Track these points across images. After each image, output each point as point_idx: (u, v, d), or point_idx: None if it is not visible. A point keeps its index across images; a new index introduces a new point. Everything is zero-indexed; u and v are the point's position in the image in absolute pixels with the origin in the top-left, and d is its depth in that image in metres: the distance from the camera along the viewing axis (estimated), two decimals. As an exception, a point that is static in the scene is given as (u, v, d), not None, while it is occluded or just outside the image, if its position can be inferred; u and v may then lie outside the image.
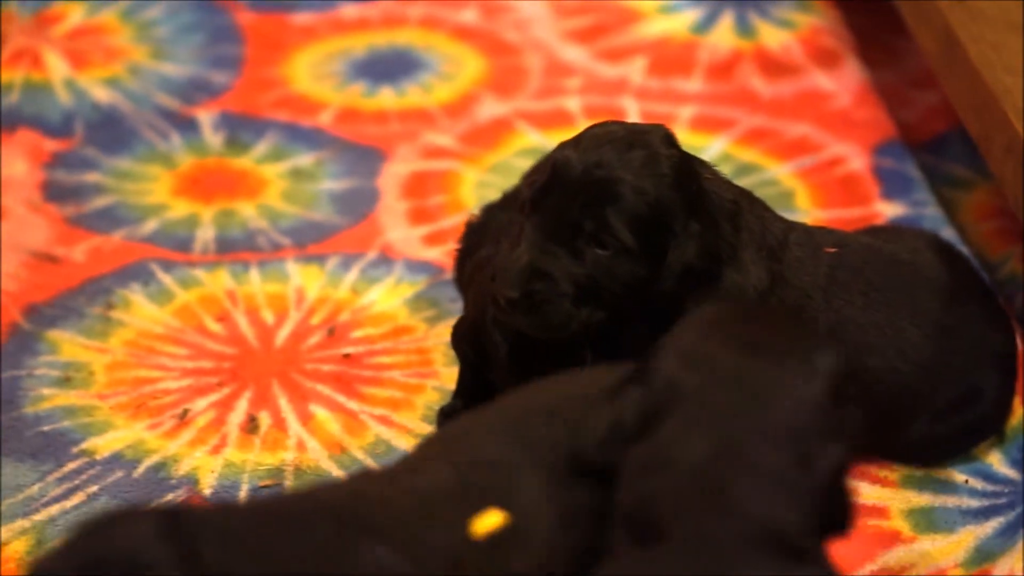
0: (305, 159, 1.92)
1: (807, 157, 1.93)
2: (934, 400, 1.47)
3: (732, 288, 1.38)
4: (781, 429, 1.07)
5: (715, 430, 1.07)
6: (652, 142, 1.38)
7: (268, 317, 1.69)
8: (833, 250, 1.48)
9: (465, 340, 1.52)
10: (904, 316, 1.47)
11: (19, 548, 1.42)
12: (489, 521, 1.11)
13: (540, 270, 1.36)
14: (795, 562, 1.05)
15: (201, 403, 1.59)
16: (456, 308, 1.67)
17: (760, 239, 1.42)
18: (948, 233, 1.81)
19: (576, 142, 1.39)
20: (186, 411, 1.57)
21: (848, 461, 1.09)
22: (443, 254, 1.76)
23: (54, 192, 1.86)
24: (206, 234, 1.81)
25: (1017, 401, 1.57)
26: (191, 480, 1.50)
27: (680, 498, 1.06)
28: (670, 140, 1.40)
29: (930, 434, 1.48)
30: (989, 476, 1.51)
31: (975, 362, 1.50)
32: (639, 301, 1.38)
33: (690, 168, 1.39)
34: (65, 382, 1.60)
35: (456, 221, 1.79)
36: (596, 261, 1.36)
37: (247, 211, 1.84)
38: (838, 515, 1.09)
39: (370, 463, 1.52)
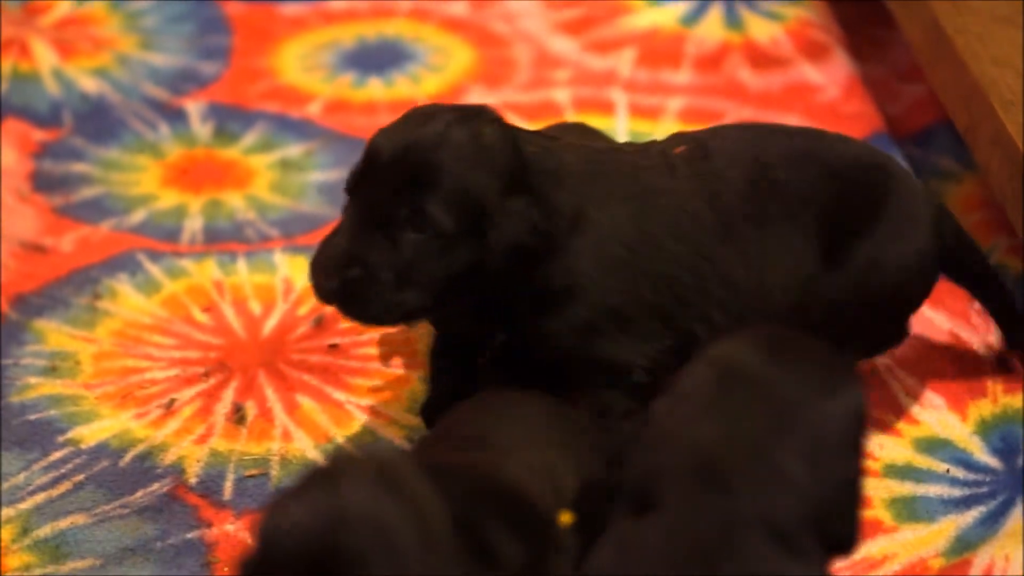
0: (294, 150, 1.93)
1: (795, 149, 1.93)
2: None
3: (584, 250, 1.37)
4: (800, 434, 1.08)
5: (729, 420, 1.09)
6: (469, 119, 1.37)
7: (255, 308, 1.70)
8: (680, 149, 1.45)
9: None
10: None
11: (4, 536, 1.42)
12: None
13: (356, 257, 1.34)
14: (786, 552, 1.06)
15: (188, 393, 1.59)
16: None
17: (614, 189, 1.40)
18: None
19: (393, 126, 1.38)
20: (172, 401, 1.57)
21: (860, 481, 1.10)
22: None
23: (42, 182, 1.86)
24: (194, 225, 1.81)
25: (998, 388, 1.58)
26: (177, 469, 1.50)
27: (680, 474, 1.08)
28: (491, 118, 1.38)
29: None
30: (971, 465, 1.51)
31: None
32: (473, 283, 1.36)
33: (510, 143, 1.37)
34: (51, 371, 1.60)
35: (444, 212, 1.79)
36: (413, 246, 1.34)
37: (235, 202, 1.84)
38: (843, 532, 1.09)
39: (353, 452, 1.52)
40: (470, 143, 1.35)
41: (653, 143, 1.51)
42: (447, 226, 1.33)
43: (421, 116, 1.38)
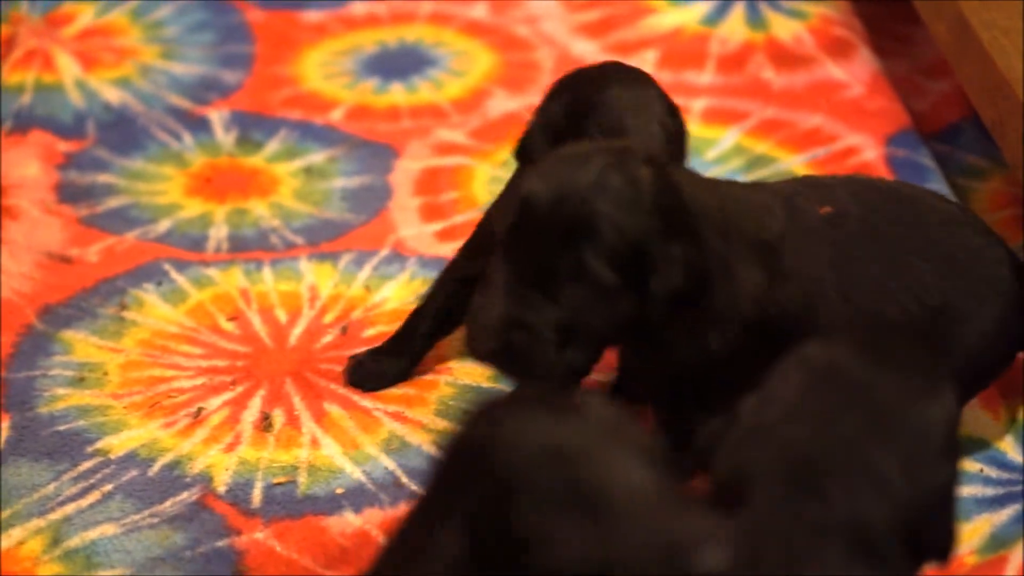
0: (317, 157, 1.92)
1: (820, 148, 1.92)
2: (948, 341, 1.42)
3: (725, 302, 1.33)
4: (897, 437, 1.06)
5: (825, 421, 1.07)
6: (624, 162, 1.30)
7: (281, 316, 1.69)
8: (828, 209, 1.41)
9: None
10: (914, 253, 1.41)
11: (35, 547, 1.42)
12: None
13: (516, 319, 1.29)
14: (871, 561, 1.04)
15: (215, 402, 1.59)
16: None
17: (753, 236, 1.36)
18: (962, 222, 1.80)
19: (543, 171, 1.30)
20: (200, 409, 1.57)
21: (956, 488, 1.09)
22: (456, 250, 1.75)
23: (67, 193, 1.86)
24: (219, 233, 1.81)
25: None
26: (205, 478, 1.49)
27: (771, 474, 1.06)
28: (644, 156, 1.32)
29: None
30: (1004, 464, 1.50)
31: (984, 298, 1.44)
32: (628, 333, 1.32)
33: (669, 184, 1.31)
34: (79, 382, 1.60)
35: (469, 217, 1.79)
36: (575, 303, 1.28)
37: (260, 210, 1.84)
38: (938, 539, 1.08)
39: (384, 460, 1.52)
40: (628, 188, 1.28)
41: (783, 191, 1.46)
42: (609, 279, 1.27)
43: (573, 160, 1.30)
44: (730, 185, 1.44)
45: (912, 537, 1.05)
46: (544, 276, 1.28)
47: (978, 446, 1.52)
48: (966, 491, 1.47)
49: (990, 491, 1.47)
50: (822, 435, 1.06)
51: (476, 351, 1.32)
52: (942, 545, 1.08)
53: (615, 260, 1.27)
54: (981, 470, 1.49)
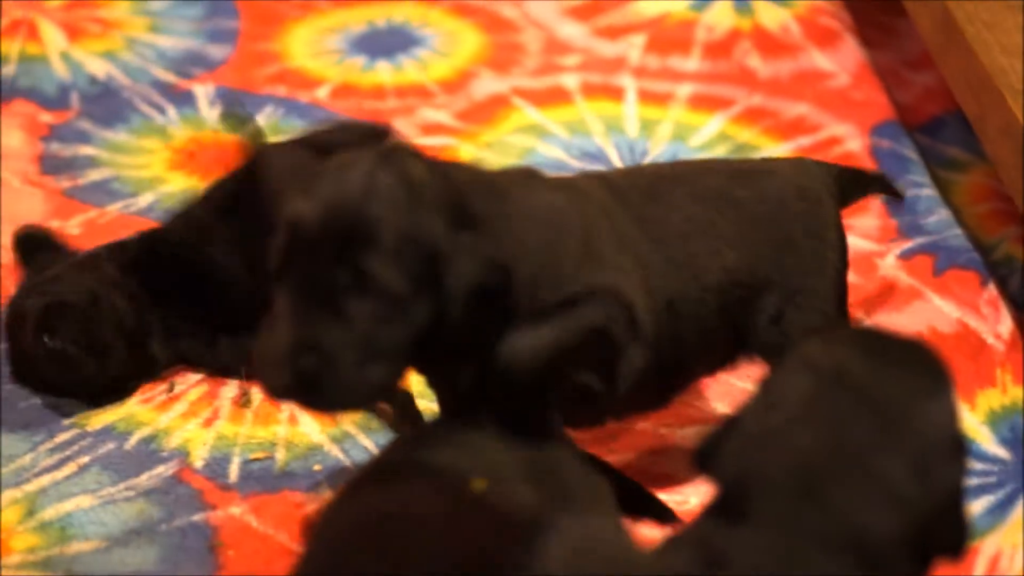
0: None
1: (805, 137, 1.93)
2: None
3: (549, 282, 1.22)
4: (903, 441, 1.05)
5: (831, 426, 1.05)
6: (392, 159, 1.19)
7: (262, 291, 1.69)
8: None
9: None
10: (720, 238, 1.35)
11: (10, 518, 1.42)
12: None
13: (303, 344, 1.16)
14: (876, 572, 1.02)
15: (193, 377, 1.58)
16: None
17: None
18: (943, 214, 1.81)
19: (309, 188, 1.19)
20: (172, 385, 1.57)
21: (963, 484, 1.07)
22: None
23: (50, 165, 1.86)
24: (201, 208, 1.80)
25: (1007, 378, 1.58)
26: (182, 452, 1.49)
27: (774, 483, 1.04)
28: (411, 152, 1.22)
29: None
30: (979, 455, 1.51)
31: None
32: (440, 338, 1.19)
33: (441, 175, 1.21)
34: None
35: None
36: (365, 315, 1.16)
37: (243, 185, 1.84)
38: (951, 537, 1.06)
39: (362, 438, 1.52)
40: (401, 185, 1.18)
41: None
42: (398, 285, 1.16)
43: (337, 169, 1.19)
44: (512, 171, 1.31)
45: (924, 539, 1.04)
46: (327, 294, 1.16)
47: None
48: (939, 482, 1.48)
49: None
50: (828, 441, 1.04)
51: (271, 389, 1.18)
52: (955, 542, 1.06)
53: (401, 264, 1.16)
54: (955, 461, 1.50)
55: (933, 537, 1.04)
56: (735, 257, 1.35)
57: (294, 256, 1.17)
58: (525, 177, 1.30)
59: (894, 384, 1.07)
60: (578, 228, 1.27)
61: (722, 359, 1.40)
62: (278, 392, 1.19)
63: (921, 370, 1.09)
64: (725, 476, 1.07)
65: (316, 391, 1.17)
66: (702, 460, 1.09)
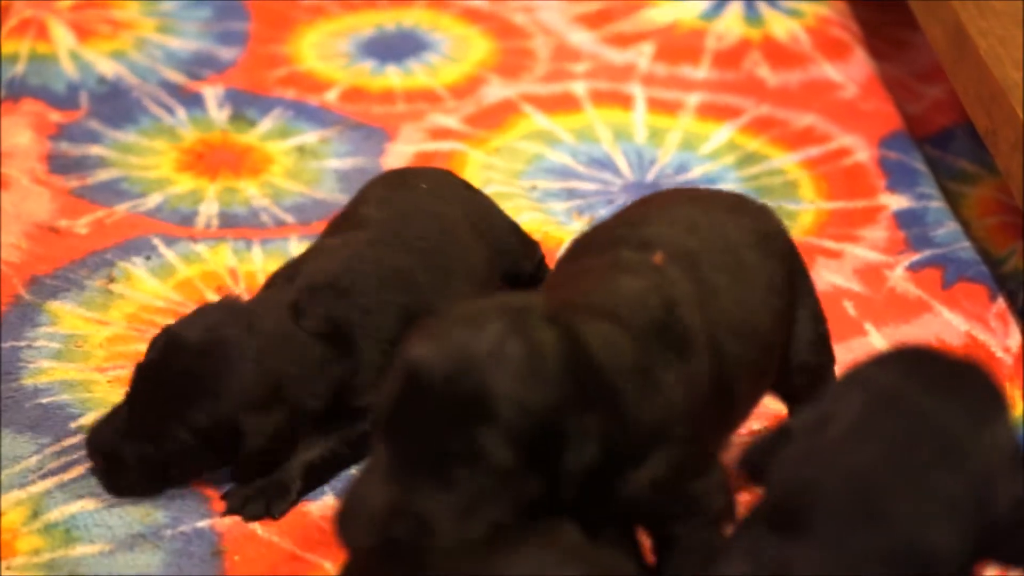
0: (310, 137, 1.92)
1: (813, 147, 1.93)
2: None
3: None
4: (963, 461, 1.05)
5: (889, 445, 1.05)
6: (524, 324, 1.13)
7: (269, 295, 1.69)
8: (660, 257, 1.28)
9: None
10: (751, 288, 1.33)
11: (15, 519, 1.42)
12: None
13: (401, 510, 1.10)
14: None
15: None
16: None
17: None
18: (952, 227, 1.81)
19: (435, 335, 1.13)
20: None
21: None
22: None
23: (58, 164, 1.85)
24: (209, 210, 1.81)
25: (1016, 392, 1.58)
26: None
27: (831, 498, 1.04)
28: (544, 314, 1.15)
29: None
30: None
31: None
32: (539, 514, 1.14)
33: (576, 345, 1.14)
34: (65, 355, 1.60)
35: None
36: (471, 488, 1.10)
37: (251, 188, 1.84)
38: (1016, 549, 1.06)
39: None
40: (529, 358, 1.11)
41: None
42: (509, 462, 1.10)
43: (466, 323, 1.13)
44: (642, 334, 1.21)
45: (986, 551, 1.04)
46: (435, 458, 1.10)
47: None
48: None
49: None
50: (887, 459, 1.04)
51: (351, 543, 1.12)
52: (1018, 553, 1.06)
53: (517, 440, 1.10)
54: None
55: (997, 549, 1.04)
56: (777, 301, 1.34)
57: (406, 408, 1.11)
58: (658, 322, 1.21)
59: (951, 406, 1.06)
60: (688, 398, 1.21)
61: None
62: (361, 552, 1.13)
63: (977, 391, 1.09)
64: (779, 488, 1.06)
65: (403, 563, 1.11)
66: (751, 469, 1.08)
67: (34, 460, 1.48)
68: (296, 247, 1.75)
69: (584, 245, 1.35)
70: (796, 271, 1.40)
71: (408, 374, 1.12)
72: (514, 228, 1.65)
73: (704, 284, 1.28)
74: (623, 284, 1.24)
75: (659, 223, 1.33)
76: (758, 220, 1.38)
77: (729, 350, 1.26)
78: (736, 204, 1.41)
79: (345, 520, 1.12)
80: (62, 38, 2.04)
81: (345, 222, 1.58)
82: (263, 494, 1.42)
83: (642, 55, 2.06)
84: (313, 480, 1.44)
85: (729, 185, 1.86)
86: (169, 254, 1.73)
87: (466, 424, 1.10)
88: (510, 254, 1.61)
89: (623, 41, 2.09)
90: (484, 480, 1.10)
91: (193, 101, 1.96)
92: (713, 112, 1.97)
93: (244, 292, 1.69)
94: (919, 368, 1.09)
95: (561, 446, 1.12)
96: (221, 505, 1.44)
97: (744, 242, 1.34)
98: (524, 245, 1.65)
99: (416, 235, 1.52)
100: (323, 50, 2.06)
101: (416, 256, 1.50)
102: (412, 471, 1.10)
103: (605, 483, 1.16)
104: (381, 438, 1.12)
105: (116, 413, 1.43)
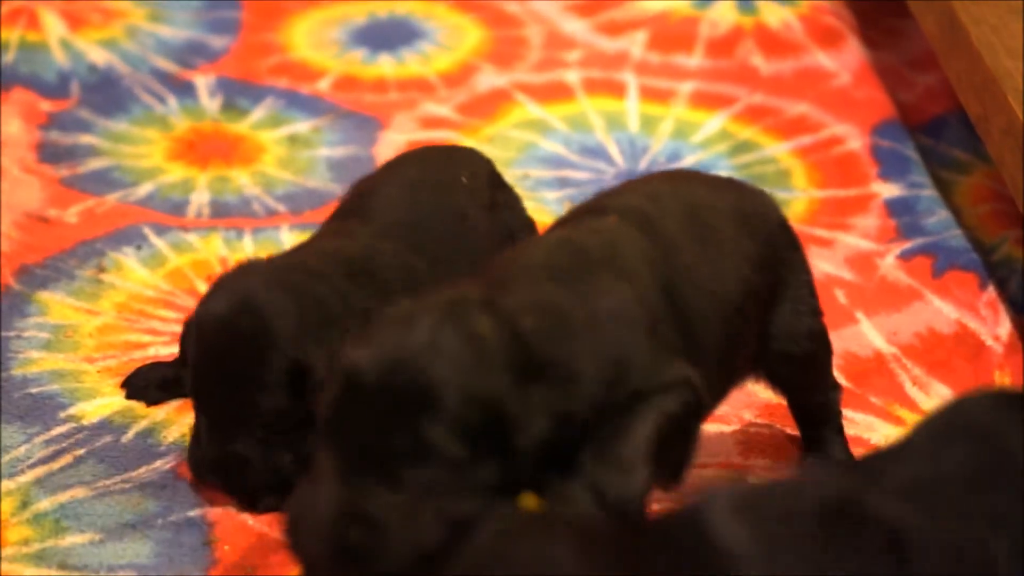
0: (302, 126, 1.92)
1: (806, 136, 1.92)
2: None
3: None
4: None
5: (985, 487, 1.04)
6: (459, 315, 1.13)
7: (260, 284, 1.68)
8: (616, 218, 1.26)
9: None
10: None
11: (4, 509, 1.41)
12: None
13: (351, 514, 1.09)
14: None
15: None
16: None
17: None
18: (943, 215, 1.81)
19: (368, 336, 1.13)
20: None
21: None
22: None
23: (48, 153, 1.85)
24: (201, 199, 1.80)
25: (1006, 379, 1.58)
26: (180, 447, 1.49)
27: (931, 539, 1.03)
28: (477, 301, 1.14)
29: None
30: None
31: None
32: (503, 496, 1.11)
33: (508, 327, 1.13)
34: (54, 345, 1.60)
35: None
36: (420, 484, 1.09)
37: (242, 177, 1.84)
38: None
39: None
40: (465, 344, 1.11)
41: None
42: (459, 452, 1.09)
43: (400, 321, 1.13)
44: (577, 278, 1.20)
45: None
46: (380, 458, 1.08)
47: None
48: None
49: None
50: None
51: (304, 553, 1.10)
52: None
53: (464, 429, 1.09)
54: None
55: None
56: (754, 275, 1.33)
57: (346, 411, 1.10)
58: (584, 271, 1.19)
59: None
60: (644, 321, 1.19)
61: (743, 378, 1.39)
62: (314, 559, 1.10)
63: None
64: (887, 516, 1.04)
65: (364, 566, 1.09)
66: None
67: (23, 450, 1.48)
68: (288, 236, 1.74)
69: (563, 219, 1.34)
70: (784, 260, 1.38)
71: (346, 377, 1.11)
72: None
73: (662, 239, 1.25)
74: (553, 237, 1.24)
75: (623, 196, 1.32)
76: (744, 200, 1.37)
77: (691, 301, 1.24)
78: (724, 184, 1.40)
79: (295, 529, 1.10)
80: (53, 26, 2.03)
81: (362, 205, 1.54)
82: (272, 490, 1.40)
83: (635, 43, 2.06)
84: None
85: (721, 173, 1.84)
86: (160, 243, 1.73)
87: (409, 419, 1.09)
88: None
89: (616, 29, 2.08)
90: (434, 474, 1.09)
91: (184, 90, 1.95)
92: (706, 101, 1.97)
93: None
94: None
95: (510, 426, 1.10)
96: (211, 493, 1.43)
97: (720, 215, 1.32)
98: None
99: (430, 240, 1.49)
100: (315, 39, 2.05)
101: (426, 260, 1.48)
102: (359, 473, 1.09)
103: (570, 452, 1.13)
104: (324, 444, 1.11)
105: (196, 430, 1.39)
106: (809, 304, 1.40)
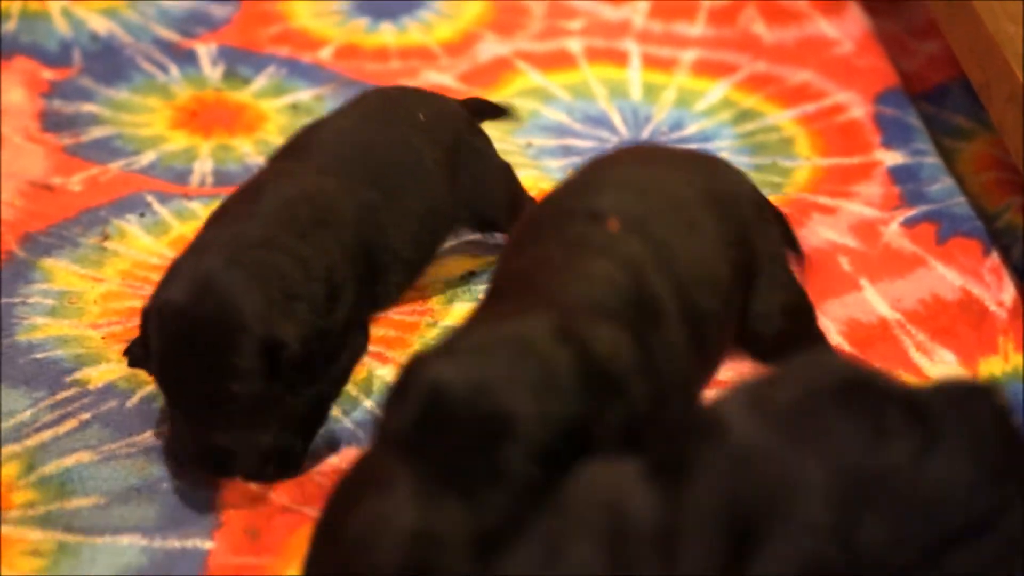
0: (304, 94, 1.91)
1: (809, 104, 1.92)
2: None
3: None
4: None
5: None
6: (532, 345, 1.15)
7: (264, 251, 1.68)
8: (615, 224, 1.29)
9: None
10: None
11: (10, 472, 1.42)
12: None
13: (426, 534, 1.09)
14: None
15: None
16: (456, 247, 1.66)
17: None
18: (947, 182, 1.81)
19: (452, 352, 1.15)
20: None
21: None
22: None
23: (51, 121, 1.85)
24: (203, 167, 1.80)
25: (1009, 345, 1.58)
26: (183, 410, 1.49)
27: None
28: (551, 326, 1.17)
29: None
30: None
31: None
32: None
33: (587, 356, 1.17)
34: (58, 311, 1.60)
35: (454, 160, 1.78)
36: (498, 506, 1.09)
37: (245, 145, 1.84)
38: None
39: (364, 400, 1.52)
40: (541, 374, 1.14)
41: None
42: (536, 476, 1.11)
43: (479, 351, 1.15)
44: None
45: None
46: (458, 479, 1.10)
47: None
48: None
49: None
50: None
51: (375, 569, 1.09)
52: None
53: (542, 454, 1.12)
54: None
55: None
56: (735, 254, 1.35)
57: (429, 429, 1.11)
58: (633, 305, 1.24)
59: None
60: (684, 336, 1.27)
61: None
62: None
63: None
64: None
65: None
66: None
67: (28, 414, 1.48)
68: (290, 204, 1.74)
69: (536, 221, 1.34)
70: (755, 235, 1.37)
71: (430, 395, 1.12)
72: (504, 202, 1.61)
73: (660, 246, 1.28)
74: (591, 270, 1.26)
75: (608, 190, 1.33)
76: (715, 180, 1.38)
77: (698, 303, 1.28)
78: (694, 164, 1.40)
79: (363, 543, 1.10)
80: (54, -5, 2.03)
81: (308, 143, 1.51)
82: (271, 461, 1.40)
83: (637, 12, 2.05)
84: (309, 432, 1.43)
85: (725, 142, 1.86)
86: (163, 211, 1.73)
87: (490, 444, 1.11)
88: (486, 218, 1.59)
89: (618, -2, 2.08)
90: (509, 495, 1.10)
91: (186, 59, 1.95)
92: (709, 69, 1.97)
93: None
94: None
95: (586, 448, 1.13)
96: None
97: (697, 202, 1.33)
98: (508, 216, 1.59)
99: (381, 171, 1.48)
100: (317, 7, 2.05)
101: (380, 193, 1.47)
102: (436, 494, 1.10)
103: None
104: (400, 457, 1.11)
105: (174, 424, 1.36)
106: (783, 280, 1.40)
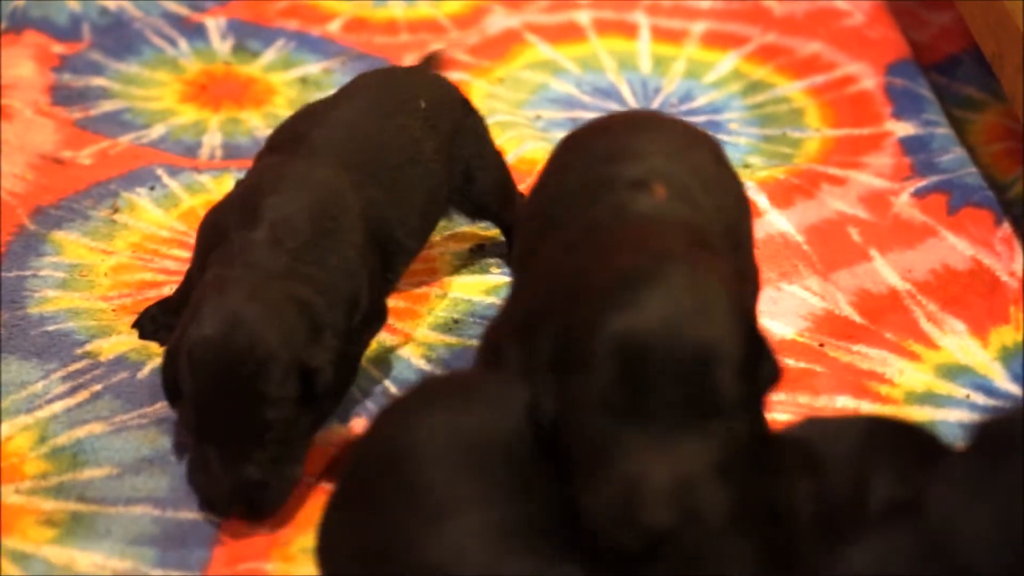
0: (313, 68, 1.91)
1: (819, 75, 1.92)
2: None
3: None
4: None
5: None
6: (701, 270, 1.15)
7: (274, 224, 1.68)
8: (662, 190, 1.29)
9: None
10: None
11: (22, 444, 1.42)
12: None
13: (684, 482, 1.07)
14: None
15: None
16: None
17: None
18: (958, 153, 1.80)
19: (637, 305, 1.11)
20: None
21: None
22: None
23: (61, 95, 1.85)
24: (213, 140, 1.80)
25: (1020, 315, 1.58)
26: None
27: None
28: (713, 266, 1.17)
29: None
30: (991, 391, 1.51)
31: None
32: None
33: (737, 296, 1.17)
34: (69, 283, 1.60)
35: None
36: (725, 436, 1.09)
37: (254, 119, 1.84)
38: None
39: (373, 371, 1.52)
40: (722, 294, 1.13)
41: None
42: (743, 395, 1.11)
43: (655, 284, 1.12)
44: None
45: None
46: (683, 416, 1.08)
47: (965, 373, 1.52)
48: (953, 416, 1.48)
49: (976, 417, 1.48)
50: None
51: (646, 528, 1.07)
52: None
53: (739, 371, 1.11)
54: (968, 396, 1.50)
55: None
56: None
57: (644, 378, 1.08)
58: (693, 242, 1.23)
59: None
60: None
61: None
62: (652, 530, 1.07)
63: None
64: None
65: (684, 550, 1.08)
66: None
67: (40, 386, 1.48)
68: (300, 176, 1.74)
69: (562, 195, 1.32)
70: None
71: (635, 350, 1.09)
72: (497, 188, 1.60)
73: (699, 210, 1.28)
74: (657, 244, 1.20)
75: (644, 159, 1.31)
76: (713, 144, 1.38)
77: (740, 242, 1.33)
78: (689, 128, 1.40)
79: (625, 504, 1.07)
80: (63, -31, 2.03)
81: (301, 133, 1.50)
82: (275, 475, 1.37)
83: (647, -16, 2.05)
84: (320, 416, 1.42)
85: (735, 113, 1.85)
86: (173, 184, 1.73)
87: (700, 374, 1.09)
88: (479, 204, 1.59)
89: (627, -30, 2.07)
90: (728, 422, 1.10)
91: (196, 32, 1.95)
92: (718, 40, 1.96)
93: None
94: None
95: (758, 361, 1.15)
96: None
97: (705, 164, 1.34)
98: (500, 203, 1.60)
99: (383, 167, 1.48)
100: (326, -19, 2.05)
101: (383, 190, 1.47)
102: (674, 438, 1.08)
103: None
104: (625, 417, 1.08)
105: (203, 458, 1.35)
106: None
